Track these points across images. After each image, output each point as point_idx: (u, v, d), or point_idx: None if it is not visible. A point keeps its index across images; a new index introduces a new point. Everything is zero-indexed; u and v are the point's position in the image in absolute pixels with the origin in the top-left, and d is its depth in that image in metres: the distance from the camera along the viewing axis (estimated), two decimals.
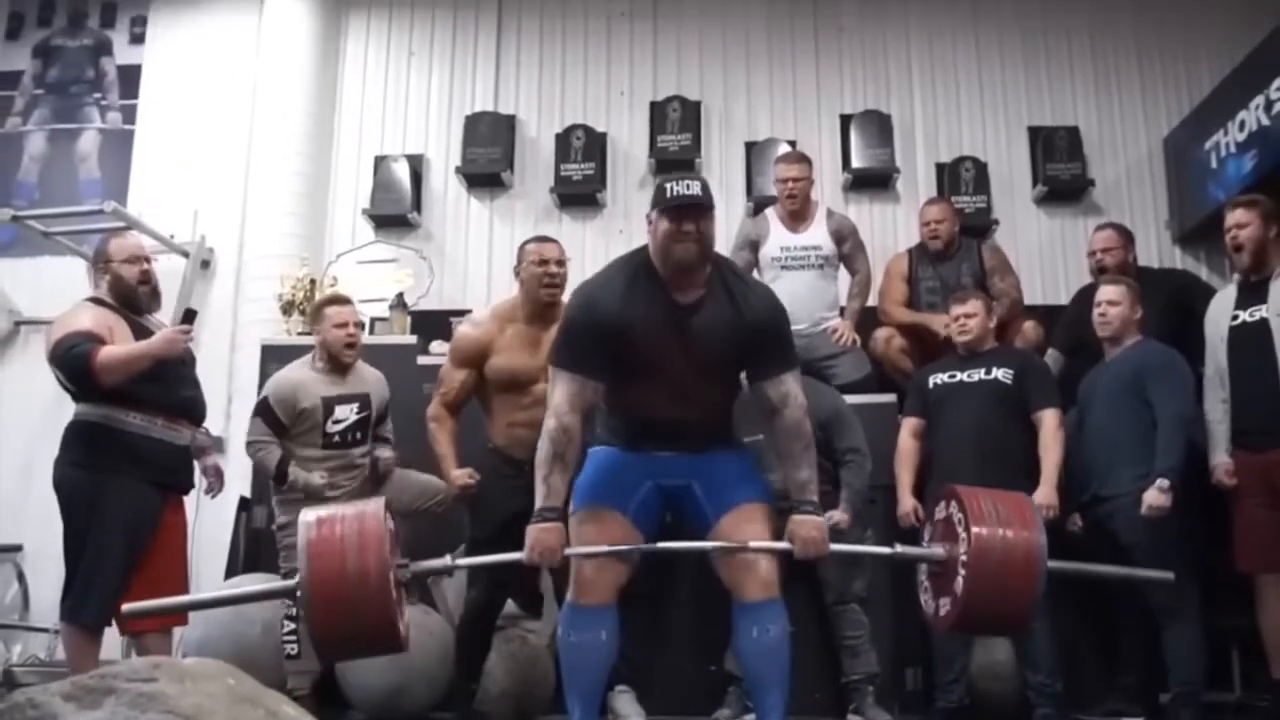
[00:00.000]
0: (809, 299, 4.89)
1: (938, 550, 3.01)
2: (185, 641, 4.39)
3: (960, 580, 2.87)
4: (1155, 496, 3.86)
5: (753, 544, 2.98)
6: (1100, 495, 4.06)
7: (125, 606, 3.11)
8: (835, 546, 3.03)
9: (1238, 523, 3.91)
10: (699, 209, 2.96)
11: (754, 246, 5.10)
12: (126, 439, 3.74)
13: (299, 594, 2.77)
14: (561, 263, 3.95)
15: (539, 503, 2.93)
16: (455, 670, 3.93)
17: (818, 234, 5.07)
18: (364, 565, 2.74)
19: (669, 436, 3.09)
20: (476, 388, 3.96)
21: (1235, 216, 4.02)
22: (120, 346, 3.67)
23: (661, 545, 3.05)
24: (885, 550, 3.18)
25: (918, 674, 4.53)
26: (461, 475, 3.91)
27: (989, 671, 4.33)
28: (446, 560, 3.06)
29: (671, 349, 2.98)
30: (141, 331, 3.82)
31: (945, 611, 2.98)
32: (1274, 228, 3.98)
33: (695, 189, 2.95)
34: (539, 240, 4.04)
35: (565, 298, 3.83)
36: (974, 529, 2.83)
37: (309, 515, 2.88)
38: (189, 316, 3.83)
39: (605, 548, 2.98)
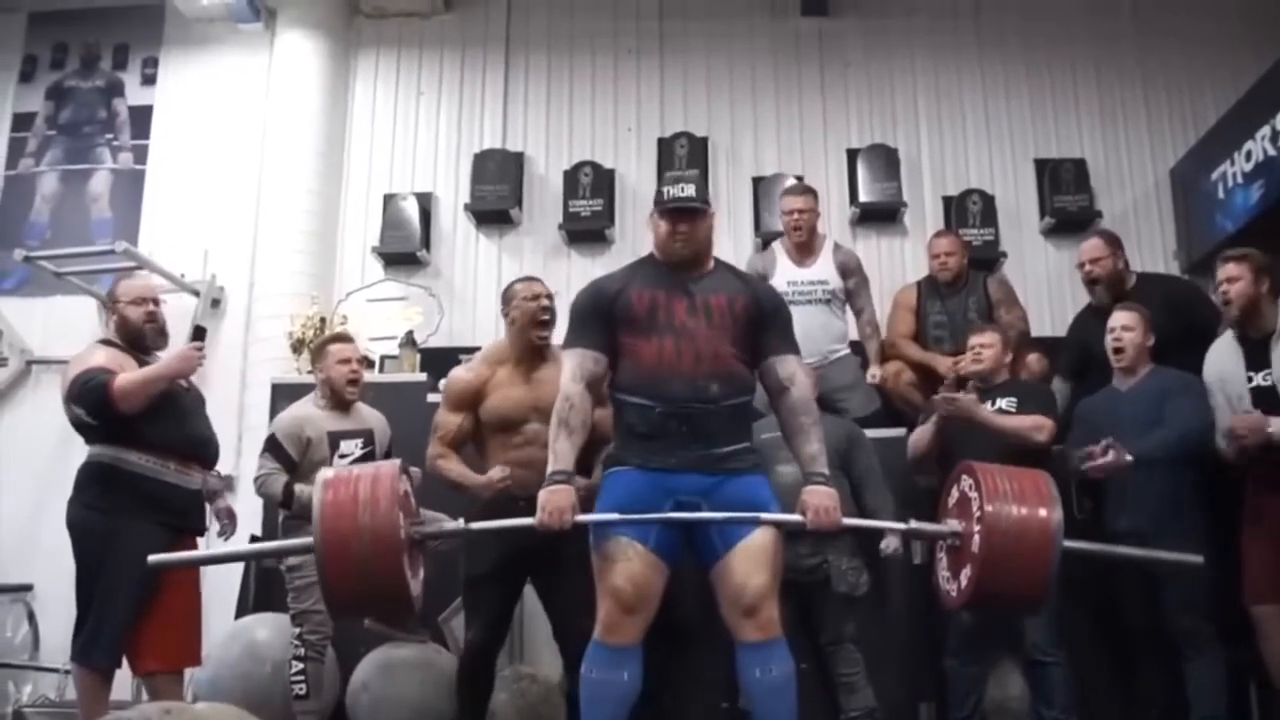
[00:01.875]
0: (818, 333, 4.88)
1: (953, 525, 2.99)
2: (195, 682, 4.37)
3: (973, 555, 2.85)
4: (1113, 455, 3.88)
5: (764, 515, 2.98)
6: (1132, 529, 4.02)
7: (152, 558, 3.09)
8: (849, 521, 3.04)
9: (1247, 557, 3.88)
10: (691, 210, 3.14)
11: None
12: (138, 481, 3.75)
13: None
14: (551, 298, 3.95)
15: (549, 469, 3.01)
16: (459, 714, 3.86)
17: (824, 268, 5.07)
18: (375, 524, 2.77)
19: (688, 422, 3.03)
20: (472, 431, 3.93)
21: (1226, 271, 3.95)
22: (135, 371, 3.72)
23: (673, 515, 3.00)
24: (900, 526, 3.16)
25: (932, 709, 4.51)
26: (494, 473, 3.78)
27: (1003, 707, 4.29)
28: (460, 523, 3.06)
29: (677, 304, 3.09)
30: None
31: (960, 589, 2.95)
32: (1265, 282, 3.90)
33: (689, 190, 3.14)
34: (526, 280, 4.03)
35: (553, 346, 3.90)
36: (988, 505, 2.82)
37: (325, 474, 2.93)
38: (200, 334, 3.91)
39: (615, 516, 2.99)
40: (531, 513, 3.10)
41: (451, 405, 3.94)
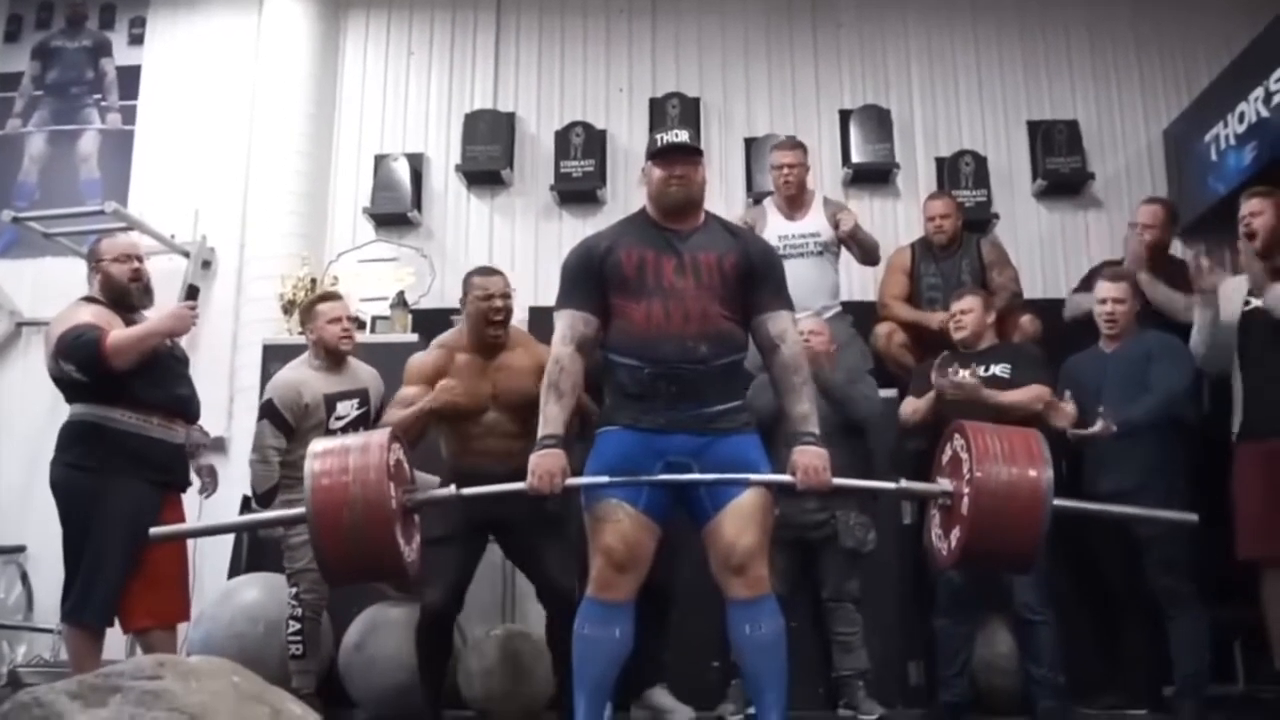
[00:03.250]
0: (811, 287, 4.88)
1: (944, 484, 2.99)
2: (189, 641, 4.39)
3: (963, 516, 2.86)
4: (1100, 425, 3.94)
5: (753, 476, 3.00)
6: (1115, 490, 4.06)
7: (153, 531, 3.16)
8: (839, 481, 3.02)
9: (1240, 511, 3.91)
10: (687, 152, 3.11)
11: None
12: (122, 438, 3.74)
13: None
14: (506, 295, 3.89)
15: (540, 433, 3.01)
16: (419, 676, 3.83)
17: (815, 221, 5.07)
18: (366, 494, 2.78)
19: (677, 382, 3.02)
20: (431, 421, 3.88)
21: (1250, 205, 4.02)
22: (129, 330, 3.71)
23: (663, 478, 3.00)
24: (890, 485, 3.14)
25: (921, 668, 4.55)
26: (442, 382, 3.79)
27: (992, 665, 4.34)
28: (451, 490, 3.05)
29: (667, 263, 3.06)
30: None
31: (951, 548, 2.96)
32: None
33: (683, 136, 3.13)
34: (483, 273, 3.97)
35: (510, 328, 3.91)
36: (977, 464, 2.82)
37: (316, 445, 2.94)
38: (193, 293, 3.91)
39: (606, 479, 2.99)
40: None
41: (413, 379, 3.89)
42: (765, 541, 3.03)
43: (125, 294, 3.87)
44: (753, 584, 2.99)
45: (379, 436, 2.96)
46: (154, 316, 3.89)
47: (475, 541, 3.83)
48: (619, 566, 2.98)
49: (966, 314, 4.39)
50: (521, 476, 2.96)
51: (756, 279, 3.11)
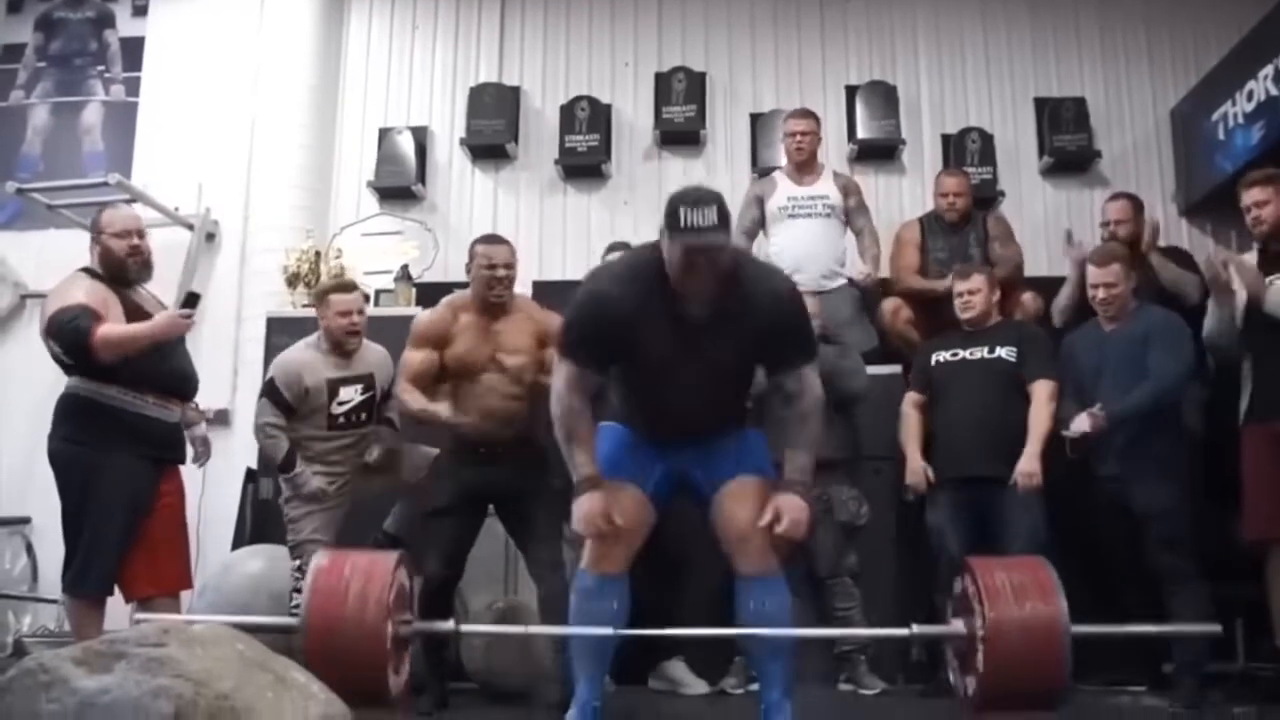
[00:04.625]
0: (818, 247, 4.94)
1: (958, 626, 2.97)
2: (193, 611, 4.40)
3: (980, 659, 2.82)
4: (1084, 421, 3.97)
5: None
6: (1117, 471, 4.06)
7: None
8: (860, 633, 3.35)
9: (1248, 492, 3.90)
10: (712, 245, 2.77)
11: (760, 202, 5.16)
12: (118, 414, 3.76)
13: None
14: (510, 265, 3.95)
15: (575, 478, 2.99)
16: (422, 646, 3.83)
17: (825, 185, 5.18)
18: (362, 619, 2.81)
19: (679, 430, 3.13)
20: (438, 371, 3.95)
21: (1253, 195, 4.00)
22: (121, 326, 3.69)
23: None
24: (903, 631, 3.15)
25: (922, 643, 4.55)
26: (452, 416, 3.90)
27: None
28: (450, 625, 3.17)
29: (682, 364, 2.97)
30: (131, 305, 3.83)
31: (970, 691, 2.92)
32: None
33: (710, 218, 2.71)
34: (488, 242, 4.02)
35: (515, 295, 3.99)
36: (989, 609, 2.78)
37: (321, 559, 2.99)
38: (190, 300, 3.84)
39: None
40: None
41: (417, 342, 3.96)
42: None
43: (123, 269, 3.87)
44: (757, 560, 3.01)
45: (384, 562, 2.99)
46: (158, 316, 3.84)
47: (473, 512, 3.89)
48: (615, 534, 2.98)
49: (974, 294, 4.37)
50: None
51: (773, 348, 3.02)
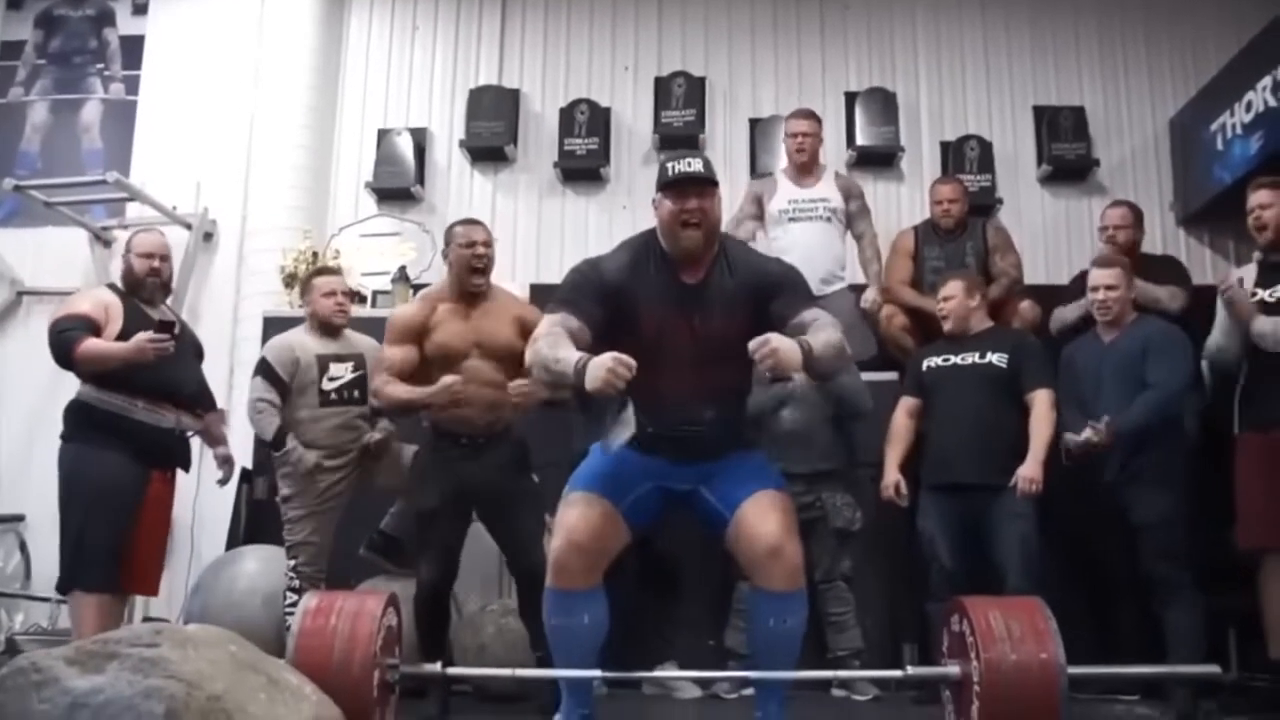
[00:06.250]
0: (818, 251, 4.92)
1: (952, 669, 2.97)
2: (186, 611, 4.41)
3: (975, 706, 2.81)
4: (1090, 432, 3.97)
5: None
6: (1116, 479, 4.06)
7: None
8: (851, 674, 3.37)
9: (1242, 502, 3.91)
10: (701, 184, 2.92)
11: (759, 202, 5.15)
12: (107, 417, 3.99)
13: None
14: (488, 244, 3.90)
15: (571, 368, 2.71)
16: (419, 650, 3.82)
17: (826, 188, 5.14)
18: (349, 661, 2.82)
19: (679, 440, 2.99)
20: (417, 367, 3.87)
21: (1259, 197, 4.01)
22: (101, 344, 3.95)
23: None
24: (897, 673, 3.17)
25: (915, 650, 4.55)
26: (446, 379, 3.72)
27: None
28: (437, 667, 3.20)
29: (679, 331, 2.94)
30: (140, 317, 4.06)
31: None
32: None
33: (697, 165, 2.93)
34: (466, 223, 3.98)
35: (492, 281, 3.93)
36: (984, 652, 2.77)
37: (310, 601, 3.00)
38: (165, 328, 3.95)
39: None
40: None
41: (395, 338, 3.90)
42: (791, 527, 2.95)
43: (140, 286, 4.19)
44: (788, 576, 2.91)
45: (373, 603, 2.99)
46: (130, 340, 3.95)
47: (457, 513, 3.86)
48: (578, 548, 2.89)
49: (947, 301, 4.37)
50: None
51: (770, 296, 2.94)
